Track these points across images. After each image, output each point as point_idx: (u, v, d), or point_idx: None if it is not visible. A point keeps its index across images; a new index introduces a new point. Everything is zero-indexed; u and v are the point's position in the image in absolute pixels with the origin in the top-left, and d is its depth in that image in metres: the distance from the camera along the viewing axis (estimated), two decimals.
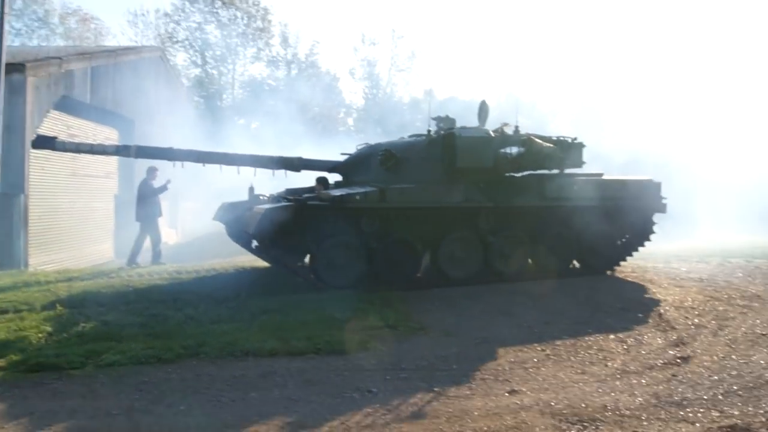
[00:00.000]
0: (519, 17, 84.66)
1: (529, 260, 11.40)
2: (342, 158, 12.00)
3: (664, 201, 12.11)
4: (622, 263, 12.21)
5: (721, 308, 8.86)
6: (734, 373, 6.09)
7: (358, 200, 9.75)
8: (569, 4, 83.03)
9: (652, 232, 12.31)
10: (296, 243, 9.75)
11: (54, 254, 16.19)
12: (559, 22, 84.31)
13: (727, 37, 70.00)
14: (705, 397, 5.41)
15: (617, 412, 5.09)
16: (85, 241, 17.62)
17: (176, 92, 26.04)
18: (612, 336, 7.45)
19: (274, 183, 12.41)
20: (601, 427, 4.79)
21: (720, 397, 5.43)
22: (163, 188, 13.92)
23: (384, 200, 9.89)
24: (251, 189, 11.86)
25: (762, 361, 6.43)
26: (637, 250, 12.38)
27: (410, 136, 11.92)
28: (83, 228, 17.49)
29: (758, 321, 8.07)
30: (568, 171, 11.65)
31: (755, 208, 19.78)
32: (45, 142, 10.88)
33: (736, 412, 5.07)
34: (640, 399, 5.40)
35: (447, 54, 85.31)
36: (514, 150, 10.66)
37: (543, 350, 6.88)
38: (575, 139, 11.82)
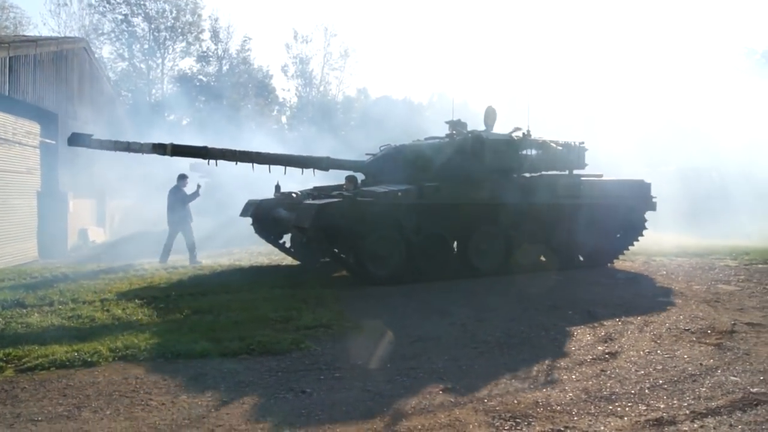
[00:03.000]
0: (450, 14, 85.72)
1: (542, 257, 12.51)
2: (366, 158, 12.92)
3: (654, 200, 13.25)
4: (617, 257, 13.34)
5: (645, 304, 9.17)
6: (659, 367, 6.31)
7: (399, 197, 10.52)
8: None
9: (644, 229, 13.44)
10: (344, 236, 10.36)
11: None
12: (495, 17, 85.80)
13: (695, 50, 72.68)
14: (632, 392, 5.59)
15: (549, 408, 5.20)
16: (5, 239, 16.88)
17: (102, 86, 25.22)
18: (543, 333, 7.61)
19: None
20: (533, 423, 4.88)
21: (647, 391, 5.61)
22: (196, 194, 14.24)
23: (421, 197, 10.72)
24: (278, 187, 12.70)
25: (685, 356, 6.69)
26: (632, 244, 13.49)
27: (426, 139, 12.95)
28: (3, 226, 16.75)
29: (681, 317, 8.39)
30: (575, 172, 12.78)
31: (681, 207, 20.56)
32: (80, 140, 11.16)
33: (662, 405, 5.25)
34: (570, 394, 5.53)
35: (380, 53, 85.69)
36: (533, 152, 11.97)
37: (476, 348, 6.97)
38: (582, 143, 12.92)
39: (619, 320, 8.22)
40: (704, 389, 5.63)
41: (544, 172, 12.59)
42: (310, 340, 7.11)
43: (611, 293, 9.94)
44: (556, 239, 12.32)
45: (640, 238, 13.55)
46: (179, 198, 14.08)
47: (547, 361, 6.51)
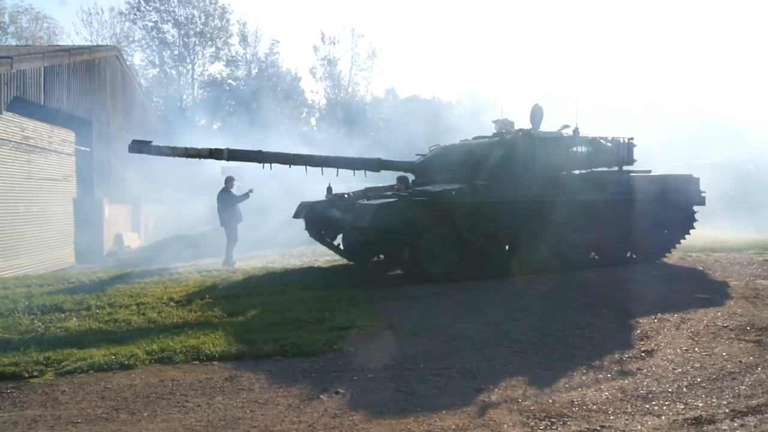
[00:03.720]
0: (477, 12, 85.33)
1: (593, 253, 12.54)
2: (416, 159, 13.15)
3: (702, 194, 13.23)
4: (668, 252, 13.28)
5: (682, 301, 9.03)
6: (697, 365, 6.21)
7: (454, 195, 10.69)
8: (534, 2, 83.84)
9: (695, 222, 13.39)
10: (400, 235, 10.48)
11: (11, 260, 15.82)
12: (524, 19, 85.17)
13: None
14: (670, 390, 5.51)
15: (584, 407, 5.15)
16: (43, 246, 17.25)
17: (134, 93, 25.63)
18: (578, 331, 7.54)
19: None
20: (568, 423, 4.85)
21: (684, 389, 5.53)
22: (245, 196, 14.55)
23: (474, 195, 10.91)
24: (329, 189, 13.00)
25: (724, 353, 6.57)
26: (683, 239, 13.43)
27: (474, 138, 13.15)
28: (41, 233, 17.12)
29: (719, 314, 8.25)
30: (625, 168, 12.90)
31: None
32: (140, 147, 11.49)
33: (701, 404, 5.17)
34: (606, 393, 5.47)
35: (407, 53, 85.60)
36: (583, 149, 12.16)
37: (510, 347, 6.93)
38: (631, 139, 13.00)
39: (655, 318, 8.11)
40: (744, 387, 5.53)
41: (593, 169, 12.68)
42: (343, 341, 7.14)
43: (647, 290, 9.79)
44: (606, 235, 12.31)
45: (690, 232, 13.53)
46: (227, 199, 14.44)
47: (581, 360, 6.45)
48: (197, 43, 48.81)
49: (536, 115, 12.56)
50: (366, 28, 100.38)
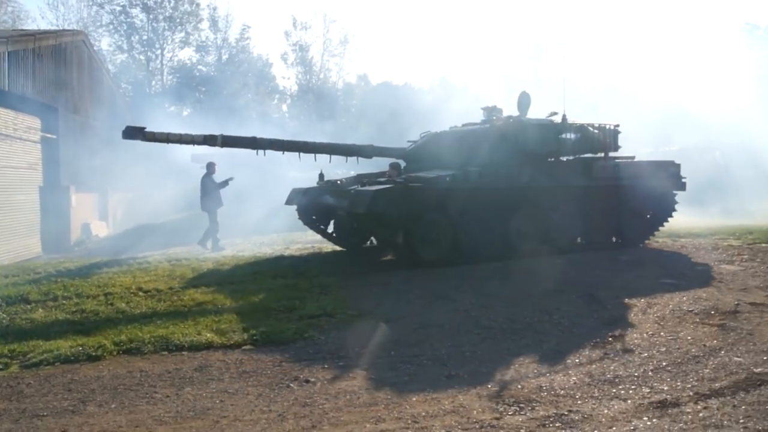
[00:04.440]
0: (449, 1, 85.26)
1: (579, 238, 12.75)
2: (408, 146, 13.46)
3: (683, 180, 13.56)
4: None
5: (648, 286, 9.16)
6: (663, 349, 6.32)
7: (448, 182, 10.91)
8: None
9: (675, 209, 13.76)
10: (395, 221, 10.64)
11: None
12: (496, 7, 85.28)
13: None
14: (636, 374, 5.60)
15: (552, 392, 5.22)
16: (8, 236, 16.92)
17: (102, 78, 25.19)
18: (546, 317, 7.61)
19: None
20: (536, 408, 4.90)
21: (650, 373, 5.62)
22: (225, 184, 14.73)
23: (467, 181, 11.09)
24: (321, 175, 13.09)
25: (689, 337, 6.69)
26: (663, 224, 13.79)
27: (464, 125, 13.31)
28: (6, 222, 16.79)
29: (684, 298, 8.39)
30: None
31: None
32: (134, 133, 11.35)
33: (666, 387, 5.26)
34: (574, 378, 5.55)
35: (380, 39, 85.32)
36: (572, 136, 12.35)
37: (479, 334, 6.98)
38: (617, 126, 13.28)
39: (622, 303, 8.22)
40: (708, 370, 5.64)
41: (580, 155, 12.91)
42: (313, 330, 7.15)
43: (614, 276, 9.91)
44: (593, 221, 12.57)
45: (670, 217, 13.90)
46: (209, 185, 14.62)
47: (550, 346, 6.53)
48: (166, 28, 48.08)
49: (524, 102, 12.76)
50: (338, 14, 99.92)
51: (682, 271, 10.23)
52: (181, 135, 11.74)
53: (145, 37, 47.17)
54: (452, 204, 11.05)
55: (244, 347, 6.61)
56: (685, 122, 28.77)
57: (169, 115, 38.02)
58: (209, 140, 11.74)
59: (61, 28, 36.09)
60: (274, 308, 8.06)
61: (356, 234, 13.16)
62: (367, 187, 10.96)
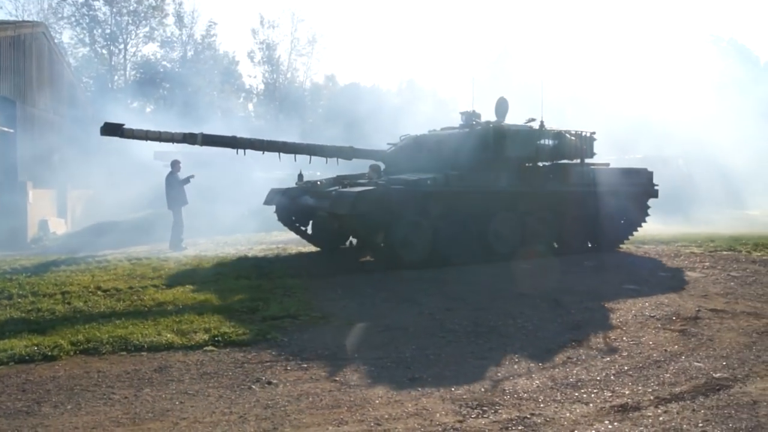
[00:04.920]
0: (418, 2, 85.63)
1: (554, 243, 12.98)
2: (387, 148, 13.70)
3: (656, 187, 14.09)
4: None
5: (612, 292, 9.31)
6: (625, 354, 6.42)
7: (429, 185, 11.20)
8: None
9: (647, 215, 14.26)
10: (376, 223, 10.81)
11: None
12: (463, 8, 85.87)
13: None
14: (598, 378, 5.68)
15: (515, 395, 5.27)
16: None
17: (62, 72, 24.73)
18: (511, 321, 7.68)
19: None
20: (500, 411, 4.94)
21: (612, 377, 5.71)
22: (186, 181, 14.71)
23: (447, 185, 11.39)
24: (300, 176, 13.39)
25: (650, 342, 6.82)
26: (636, 230, 14.25)
27: (443, 129, 13.61)
28: None
29: (647, 304, 8.54)
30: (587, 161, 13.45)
31: None
32: (112, 130, 11.30)
33: (627, 392, 5.35)
34: (537, 382, 5.60)
35: (349, 39, 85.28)
36: (549, 142, 12.67)
37: (444, 337, 7.02)
38: (593, 133, 13.62)
39: (585, 308, 8.34)
40: (668, 375, 5.75)
41: (557, 161, 13.22)
42: (276, 331, 7.10)
43: (579, 281, 10.07)
44: (568, 226, 12.89)
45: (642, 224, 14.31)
46: (173, 182, 14.59)
47: (514, 350, 6.58)
48: (130, 22, 47.34)
49: (501, 107, 13.08)
50: (306, 13, 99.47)
51: (645, 278, 10.42)
52: (160, 132, 11.75)
53: (108, 31, 46.40)
54: (432, 207, 11.30)
55: (205, 348, 6.54)
56: (649, 130, 29.34)
57: (132, 112, 37.44)
58: (189, 138, 11.80)
59: (20, 19, 35.37)
60: (237, 309, 7.99)
61: (335, 235, 13.30)
62: (350, 189, 11.17)
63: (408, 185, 11.07)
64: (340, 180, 12.70)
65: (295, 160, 13.16)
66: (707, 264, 11.59)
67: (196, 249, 14.18)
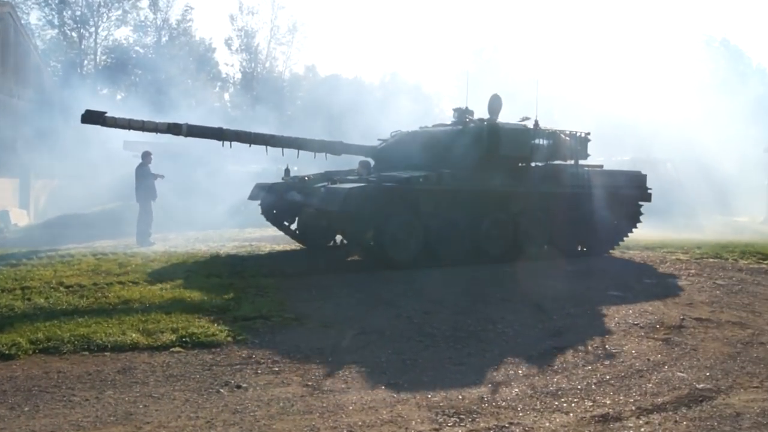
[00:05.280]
0: None
1: (545, 246, 13.06)
2: (378, 144, 13.78)
3: (649, 191, 14.24)
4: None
5: (595, 298, 9.38)
6: (607, 362, 6.48)
7: (421, 182, 11.28)
8: None
9: (639, 218, 14.45)
10: (366, 220, 10.87)
11: None
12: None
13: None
14: (579, 387, 5.73)
15: (494, 404, 5.29)
16: None
17: (28, 55, 24.42)
18: (491, 326, 7.72)
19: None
20: (477, 419, 4.96)
21: (593, 386, 5.76)
22: (158, 175, 14.62)
23: (440, 183, 11.49)
24: (287, 171, 13.38)
25: (633, 351, 6.88)
26: (629, 233, 14.44)
27: (435, 126, 13.81)
28: None
29: (630, 311, 8.62)
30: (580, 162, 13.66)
31: None
32: (93, 118, 11.16)
33: (608, 401, 5.39)
34: (516, 390, 5.63)
35: (330, 29, 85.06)
36: (544, 142, 12.81)
37: (421, 341, 7.03)
38: (587, 133, 13.83)
39: (568, 314, 8.40)
40: (651, 385, 5.81)
41: (550, 162, 13.33)
42: (247, 332, 7.08)
43: (562, 286, 10.12)
44: (561, 228, 12.99)
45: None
46: (143, 174, 14.51)
47: (493, 356, 6.62)
48: (102, 4, 46.94)
49: (494, 105, 13.08)
50: (287, 0, 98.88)
51: (630, 284, 10.51)
52: (143, 122, 11.70)
53: (78, 13, 45.97)
54: (424, 205, 11.41)
55: (172, 349, 6.50)
56: (637, 132, 29.57)
57: (101, 98, 37.11)
58: (173, 129, 11.79)
59: None
60: (207, 309, 7.95)
61: (322, 233, 13.38)
62: (340, 185, 11.18)
63: (400, 183, 11.14)
64: (328, 176, 12.78)
65: (283, 154, 13.10)
66: (693, 271, 11.72)
67: (165, 244, 14.07)
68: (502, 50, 61.16)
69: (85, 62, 46.19)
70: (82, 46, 46.29)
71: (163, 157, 16.80)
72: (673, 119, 29.84)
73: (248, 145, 12.69)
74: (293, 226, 13.66)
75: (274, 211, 13.34)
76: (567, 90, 40.88)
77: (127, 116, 11.77)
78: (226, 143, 12.37)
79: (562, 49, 76.79)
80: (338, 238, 13.54)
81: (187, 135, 12.05)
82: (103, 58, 47.70)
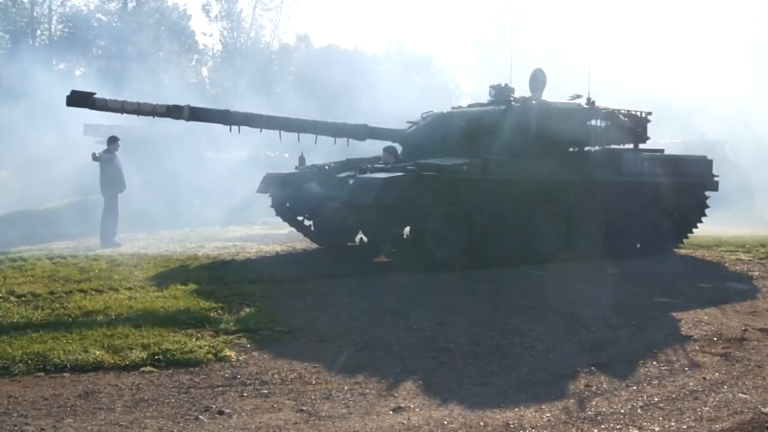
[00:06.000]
0: None
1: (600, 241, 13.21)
2: (407, 127, 14.06)
3: (716, 179, 14.64)
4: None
5: (640, 305, 9.35)
6: (655, 382, 6.44)
7: (464, 170, 11.42)
8: None
9: (706, 210, 14.82)
10: (404, 214, 11.03)
11: None
12: None
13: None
14: (622, 411, 5.69)
15: (522, 431, 5.27)
16: None
17: None
18: (517, 339, 7.69)
19: None
20: None
21: (639, 410, 5.72)
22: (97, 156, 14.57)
23: (485, 171, 11.64)
24: (302, 159, 13.52)
25: (686, 368, 6.85)
26: (695, 227, 14.80)
27: (469, 106, 13.97)
28: None
29: (683, 321, 8.59)
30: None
31: None
32: (80, 100, 11.24)
33: (657, 428, 5.36)
34: (548, 414, 5.61)
35: None
36: (602, 123, 13.01)
37: (435, 358, 7.02)
38: (649, 113, 14.08)
39: (608, 325, 8.37)
40: (707, 408, 5.77)
41: (606, 146, 13.54)
42: (231, 348, 7.07)
43: (600, 292, 10.09)
44: (617, 222, 13.15)
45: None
46: (108, 162, 14.55)
47: (520, 374, 6.59)
48: None
49: (538, 81, 13.31)
50: None
51: (681, 289, 10.48)
52: (138, 104, 11.80)
53: None
54: (466, 196, 11.55)
55: (142, 369, 6.50)
56: (687, 111, 29.39)
57: (57, 74, 37.18)
58: (173, 112, 11.98)
59: None
60: (183, 321, 7.95)
61: (344, 230, 13.55)
62: (372, 175, 11.31)
63: (441, 171, 11.24)
64: (351, 164, 12.93)
65: (281, 139, 13.32)
66: (756, 274, 11.68)
67: (133, 245, 14.10)
68: (527, 17, 60.65)
69: (38, 32, 46.28)
70: (34, 14, 46.36)
71: (131, 143, 16.81)
72: (728, 94, 29.69)
73: (259, 129, 12.89)
74: (304, 221, 13.80)
75: (288, 204, 13.42)
76: (602, 63, 40.70)
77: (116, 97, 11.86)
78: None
79: (594, 14, 76.47)
80: (357, 237, 13.79)
81: (189, 119, 12.27)
82: (59, 27, 47.84)
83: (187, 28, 54.21)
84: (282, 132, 13.09)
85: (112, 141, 14.81)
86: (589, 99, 13.10)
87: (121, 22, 47.30)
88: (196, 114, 12.25)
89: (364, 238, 13.86)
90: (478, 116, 12.98)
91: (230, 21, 54.64)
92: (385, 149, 13.43)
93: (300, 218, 13.64)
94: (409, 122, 14.23)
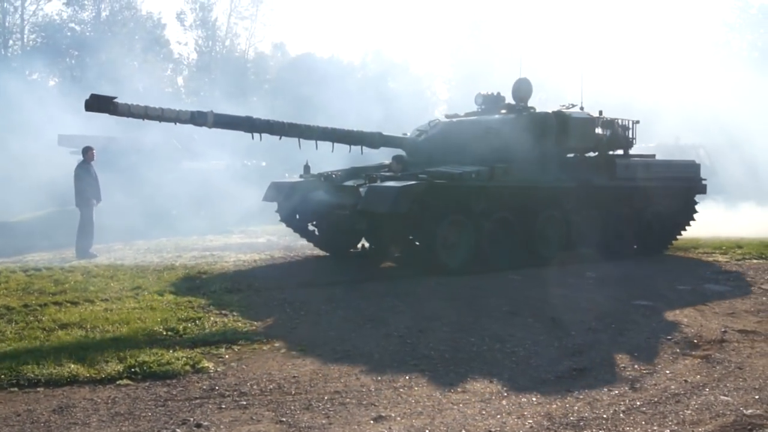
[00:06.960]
0: None
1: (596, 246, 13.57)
2: (415, 135, 14.30)
3: (704, 182, 15.29)
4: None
5: (620, 309, 9.36)
6: (637, 385, 6.43)
7: (474, 178, 11.73)
8: None
9: (695, 213, 15.37)
10: (417, 222, 11.25)
11: None
12: None
13: None
14: (604, 416, 5.67)
15: None
16: None
17: None
18: (498, 345, 7.67)
19: None
20: None
21: (621, 415, 5.70)
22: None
23: (492, 179, 12.00)
24: (307, 167, 13.71)
25: (667, 371, 6.85)
26: (684, 230, 15.39)
27: (466, 114, 14.31)
28: None
29: (662, 324, 8.61)
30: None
31: None
32: (101, 104, 10.95)
33: None
34: (530, 421, 5.58)
35: (301, 1, 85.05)
36: (605, 131, 13.66)
37: (416, 365, 6.98)
38: (636, 121, 14.58)
39: (589, 329, 8.37)
40: (690, 411, 5.77)
41: (605, 153, 14.14)
42: (209, 359, 7.02)
43: (580, 296, 10.14)
44: (613, 225, 13.78)
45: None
46: (83, 174, 14.46)
47: (502, 381, 6.56)
48: None
49: (522, 90, 13.80)
50: None
51: (661, 292, 10.54)
52: (162, 110, 11.70)
53: None
54: (474, 203, 11.86)
55: (118, 382, 6.42)
56: (662, 114, 29.64)
57: (31, 85, 36.89)
58: (198, 118, 11.96)
59: None
60: (160, 332, 7.89)
61: (350, 237, 13.86)
62: (385, 184, 11.52)
63: (452, 179, 11.54)
64: (357, 172, 13.19)
65: (280, 139, 13.33)
66: (734, 275, 11.74)
67: (109, 256, 13.98)
68: (496, 25, 61.20)
69: (10, 42, 45.94)
70: (6, 24, 46.02)
71: (106, 154, 16.67)
72: (703, 99, 29.96)
73: (278, 137, 13.05)
74: (309, 227, 14.00)
75: (297, 216, 13.65)
76: (573, 69, 41.01)
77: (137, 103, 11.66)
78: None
79: (570, 17, 77.05)
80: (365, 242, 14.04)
81: (212, 126, 12.23)
82: (32, 37, 47.48)
83: (161, 37, 54.01)
84: (284, 138, 13.26)
85: (87, 152, 14.75)
86: (581, 108, 13.55)
87: (94, 31, 47.05)
88: (220, 121, 12.28)
89: (366, 245, 14.10)
90: (491, 125, 13.25)
91: (205, 29, 54.55)
92: (394, 157, 13.70)
93: (307, 225, 13.89)
94: (417, 129, 14.41)
